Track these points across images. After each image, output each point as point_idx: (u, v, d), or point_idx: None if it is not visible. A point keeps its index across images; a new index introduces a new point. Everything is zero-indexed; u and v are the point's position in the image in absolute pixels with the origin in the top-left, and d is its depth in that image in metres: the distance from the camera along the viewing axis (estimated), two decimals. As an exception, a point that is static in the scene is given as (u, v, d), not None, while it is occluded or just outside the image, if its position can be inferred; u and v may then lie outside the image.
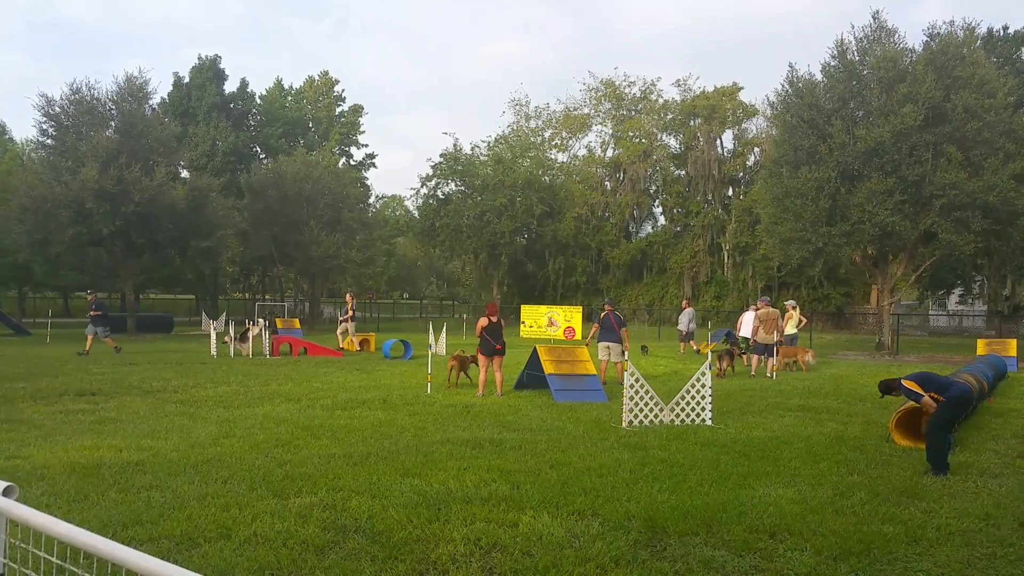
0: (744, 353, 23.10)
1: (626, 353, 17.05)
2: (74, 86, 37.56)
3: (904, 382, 9.43)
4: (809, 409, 14.16)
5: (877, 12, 30.14)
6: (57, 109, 37.55)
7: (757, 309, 21.40)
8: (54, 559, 2.80)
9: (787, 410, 14.00)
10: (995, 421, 12.80)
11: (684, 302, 32.84)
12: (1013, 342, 24.44)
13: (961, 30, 30.08)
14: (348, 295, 29.71)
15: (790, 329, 22.84)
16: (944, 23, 30.57)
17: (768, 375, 20.13)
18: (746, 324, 25.00)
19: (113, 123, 38.53)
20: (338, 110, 76.69)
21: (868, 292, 49.83)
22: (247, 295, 72.38)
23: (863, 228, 28.75)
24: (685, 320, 29.40)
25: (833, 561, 5.89)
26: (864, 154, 28.56)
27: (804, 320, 25.78)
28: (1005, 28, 47.33)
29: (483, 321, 15.75)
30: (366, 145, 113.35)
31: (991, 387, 15.19)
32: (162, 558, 2.36)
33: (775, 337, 20.38)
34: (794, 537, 6.43)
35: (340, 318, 29.03)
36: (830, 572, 5.68)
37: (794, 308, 23.57)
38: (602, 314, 18.08)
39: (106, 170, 35.13)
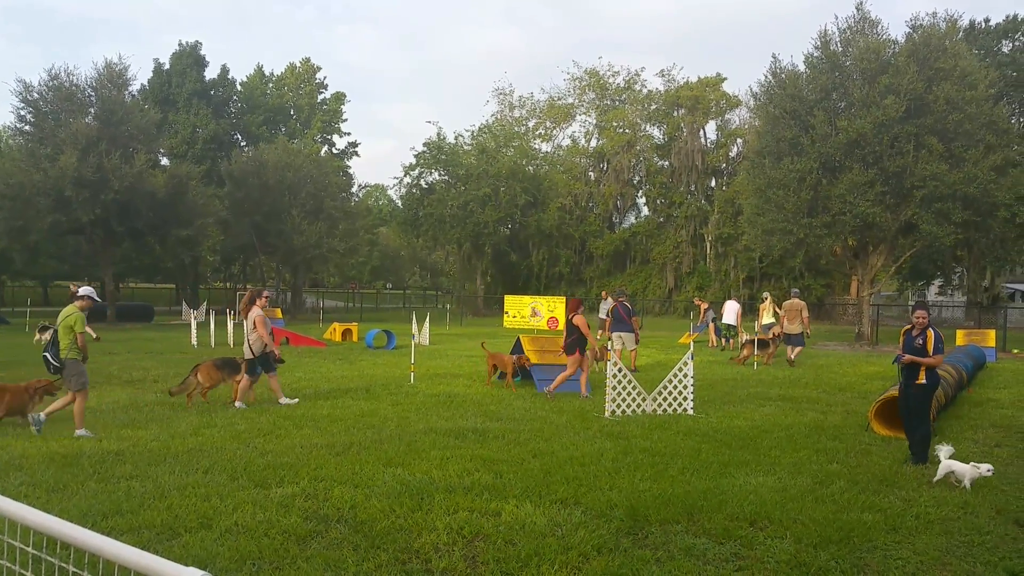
0: (731, 339, 24.33)
1: (637, 340, 18.59)
2: (52, 72, 37.21)
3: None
4: (789, 399, 14.25)
5: (860, 3, 30.29)
6: (35, 95, 37.16)
7: (789, 299, 21.65)
8: (30, 549, 2.77)
9: (768, 399, 14.08)
10: (974, 411, 12.92)
11: (603, 292, 33.45)
12: (992, 332, 24.71)
13: (943, 22, 30.24)
14: (73, 286, 27.25)
15: (767, 319, 23.33)
16: (927, 15, 30.75)
17: (788, 360, 20.67)
18: (728, 312, 25.49)
19: (92, 110, 38.17)
20: (320, 97, 76.26)
21: (848, 283, 50.09)
22: (228, 284, 72.05)
23: (844, 219, 28.90)
24: (605, 310, 30.22)
25: (813, 549, 5.94)
26: (846, 145, 28.68)
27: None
28: (987, 20, 47.74)
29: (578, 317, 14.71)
30: (348, 133, 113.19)
31: (970, 377, 15.33)
32: (142, 548, 2.34)
33: (799, 328, 20.85)
34: (774, 525, 6.48)
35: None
36: (810, 560, 5.71)
37: (769, 299, 24.07)
38: (613, 305, 18.62)
39: (85, 157, 34.83)
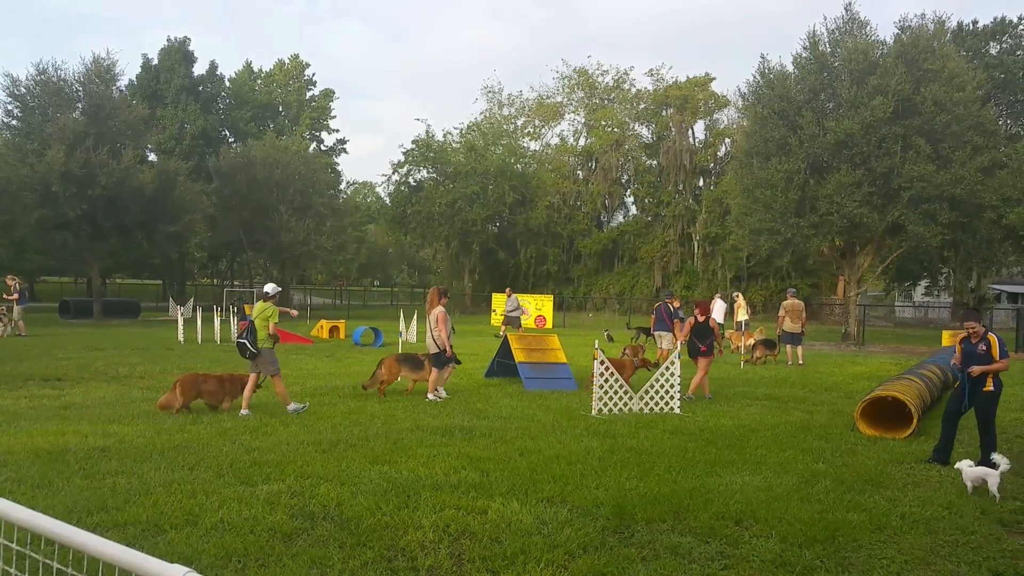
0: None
1: (678, 343, 18.20)
2: (40, 66, 36.94)
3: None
4: (776, 398, 14.29)
5: (849, 4, 30.43)
6: (22, 90, 36.89)
7: (788, 299, 21.87)
8: (14, 546, 2.75)
9: (754, 399, 14.12)
10: (958, 411, 12.96)
11: (508, 290, 33.51)
12: (977, 333, 24.80)
13: (931, 23, 30.40)
14: (9, 278, 26.91)
15: (741, 316, 23.73)
16: (915, 16, 30.95)
17: (798, 363, 20.90)
18: (716, 311, 25.68)
19: (80, 105, 37.92)
20: (308, 94, 76.06)
21: (835, 283, 50.30)
22: (215, 280, 71.82)
23: (831, 219, 29.01)
24: (510, 306, 30.30)
25: (798, 548, 5.96)
26: (834, 146, 28.79)
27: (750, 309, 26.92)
28: (974, 22, 47.98)
29: (690, 320, 14.81)
30: (337, 130, 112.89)
31: (955, 378, 15.39)
32: (127, 545, 2.33)
33: (799, 327, 21.14)
34: (760, 524, 6.50)
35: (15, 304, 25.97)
36: (795, 559, 5.74)
37: (740, 297, 24.38)
38: (657, 304, 19.62)
39: (72, 152, 34.61)
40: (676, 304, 28.72)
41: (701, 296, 46.54)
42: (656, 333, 19.60)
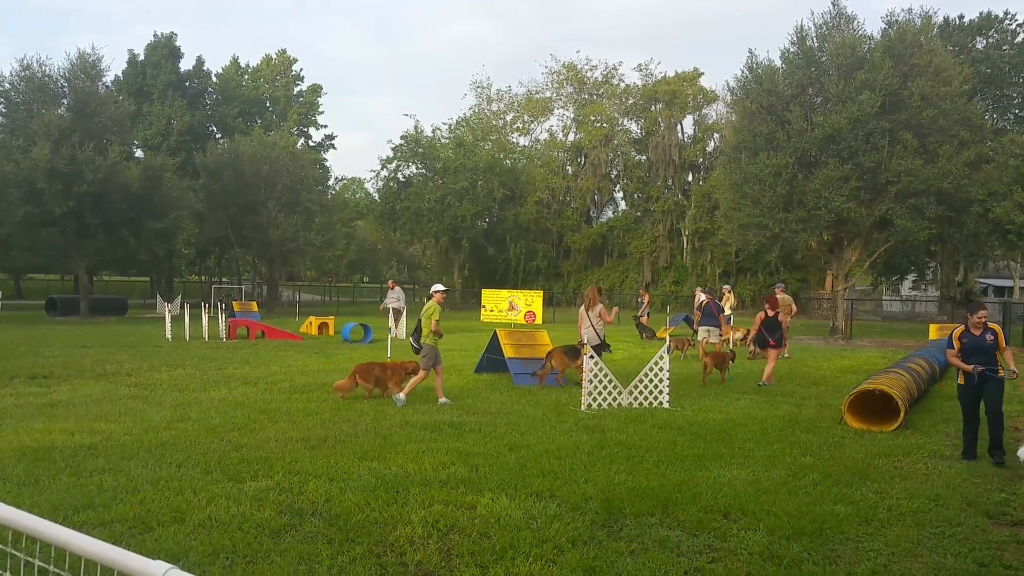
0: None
1: (723, 335, 20.73)
2: (24, 62, 36.73)
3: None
4: (764, 392, 14.34)
5: (836, -1, 30.46)
6: (7, 86, 36.70)
7: (777, 293, 22.13)
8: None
9: (742, 393, 14.16)
10: (946, 404, 13.03)
11: (391, 282, 33.28)
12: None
13: (919, 18, 30.51)
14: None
15: (727, 310, 24.00)
16: (902, 11, 31.05)
17: (785, 357, 20.91)
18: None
19: (65, 101, 37.71)
20: (296, 89, 75.73)
21: (823, 278, 50.44)
22: (203, 277, 71.54)
23: (819, 214, 29.12)
24: (395, 298, 29.69)
25: (786, 541, 5.98)
26: (821, 140, 28.88)
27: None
28: (961, 17, 48.11)
29: (760, 314, 15.88)
30: (325, 126, 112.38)
31: (942, 371, 15.49)
32: (114, 542, 2.32)
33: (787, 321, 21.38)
34: (748, 517, 6.52)
35: None
36: (783, 551, 5.76)
37: (729, 291, 24.53)
38: (704, 301, 20.78)
39: (58, 149, 34.41)
40: (647, 298, 28.95)
41: (690, 292, 46.63)
42: (701, 328, 20.51)
